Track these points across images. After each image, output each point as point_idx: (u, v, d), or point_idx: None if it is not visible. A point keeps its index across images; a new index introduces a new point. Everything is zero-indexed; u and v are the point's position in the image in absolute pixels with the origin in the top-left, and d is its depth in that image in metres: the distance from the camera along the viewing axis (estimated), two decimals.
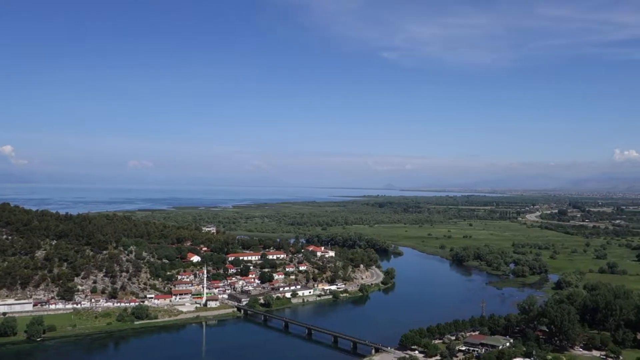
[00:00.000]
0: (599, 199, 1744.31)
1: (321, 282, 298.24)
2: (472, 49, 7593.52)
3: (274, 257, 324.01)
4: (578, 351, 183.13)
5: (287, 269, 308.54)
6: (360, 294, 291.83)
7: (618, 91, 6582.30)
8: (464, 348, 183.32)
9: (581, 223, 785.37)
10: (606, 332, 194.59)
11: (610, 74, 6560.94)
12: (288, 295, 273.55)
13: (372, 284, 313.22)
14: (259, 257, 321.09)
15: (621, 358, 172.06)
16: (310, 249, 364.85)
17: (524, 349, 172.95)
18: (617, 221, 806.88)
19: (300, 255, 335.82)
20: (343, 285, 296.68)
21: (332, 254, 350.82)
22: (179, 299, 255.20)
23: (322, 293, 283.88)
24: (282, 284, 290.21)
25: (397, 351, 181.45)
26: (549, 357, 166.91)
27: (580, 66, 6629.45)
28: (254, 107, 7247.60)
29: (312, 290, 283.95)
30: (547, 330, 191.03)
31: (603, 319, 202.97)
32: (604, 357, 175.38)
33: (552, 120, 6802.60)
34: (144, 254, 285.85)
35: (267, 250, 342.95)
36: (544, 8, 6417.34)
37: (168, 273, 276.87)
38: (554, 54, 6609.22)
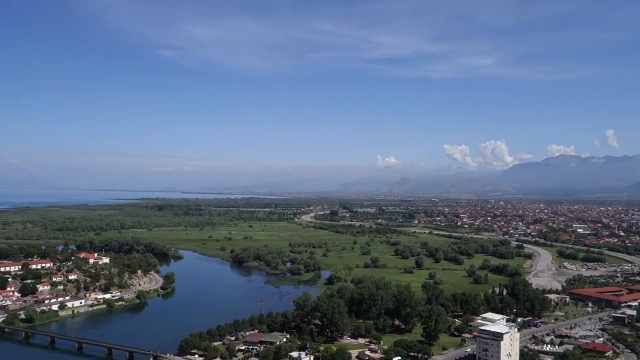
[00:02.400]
0: (364, 200, 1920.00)
1: (94, 291, 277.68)
2: (251, 55, 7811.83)
3: (39, 266, 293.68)
4: (346, 340, 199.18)
5: (54, 279, 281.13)
6: (138, 301, 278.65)
7: (378, 104, 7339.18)
8: (243, 347, 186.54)
9: (350, 222, 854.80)
10: (370, 320, 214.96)
11: (373, 88, 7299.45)
12: (55, 307, 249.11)
13: (150, 290, 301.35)
14: (20, 267, 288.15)
15: (382, 343, 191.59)
16: (81, 255, 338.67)
17: (299, 342, 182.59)
18: (379, 220, 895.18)
19: (70, 263, 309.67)
20: (119, 293, 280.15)
21: (106, 260, 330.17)
22: None
23: (95, 303, 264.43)
24: (48, 296, 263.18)
25: (176, 357, 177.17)
26: (322, 347, 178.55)
27: (349, 78, 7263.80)
28: (12, 99, 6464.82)
29: (83, 301, 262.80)
30: (320, 323, 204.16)
31: (367, 309, 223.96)
32: (368, 343, 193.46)
33: (325, 127, 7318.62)
34: None
35: (30, 259, 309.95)
36: (319, 22, 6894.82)
37: None
38: (328, 65, 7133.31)
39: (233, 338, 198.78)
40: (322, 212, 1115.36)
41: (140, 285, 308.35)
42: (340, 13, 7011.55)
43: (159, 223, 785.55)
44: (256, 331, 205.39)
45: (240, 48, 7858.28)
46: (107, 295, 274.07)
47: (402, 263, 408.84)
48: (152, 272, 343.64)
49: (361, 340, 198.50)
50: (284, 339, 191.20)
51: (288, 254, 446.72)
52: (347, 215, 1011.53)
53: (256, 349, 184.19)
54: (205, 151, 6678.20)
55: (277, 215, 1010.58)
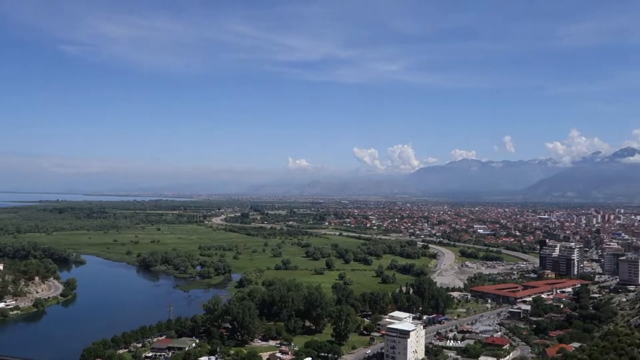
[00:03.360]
0: (275, 202, 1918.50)
1: None
2: (162, 53, 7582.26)
3: None
4: (257, 343, 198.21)
5: None
6: (35, 309, 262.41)
7: (290, 107, 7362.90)
8: (150, 354, 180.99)
9: (261, 225, 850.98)
10: (281, 322, 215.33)
11: (284, 91, 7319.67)
12: None
13: (49, 298, 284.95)
14: None
15: (293, 344, 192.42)
16: None
17: (209, 347, 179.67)
18: (290, 222, 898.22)
19: None
20: (14, 302, 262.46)
21: (0, 267, 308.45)
22: None
23: None
24: None
25: None
26: (232, 351, 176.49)
27: (261, 81, 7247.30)
28: None
29: None
30: (231, 326, 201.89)
31: (278, 311, 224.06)
32: (279, 345, 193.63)
33: (237, 129, 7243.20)
34: None
35: None
36: (230, 23, 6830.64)
37: None
38: (240, 67, 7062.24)
39: (140, 345, 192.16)
40: (232, 215, 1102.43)
41: (38, 292, 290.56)
42: (253, 14, 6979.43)
43: (59, 227, 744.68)
44: (164, 337, 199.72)
45: (150, 46, 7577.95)
46: (1, 305, 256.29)
47: (313, 265, 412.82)
48: (52, 279, 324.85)
49: (272, 343, 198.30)
50: (193, 344, 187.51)
51: (198, 257, 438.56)
52: (258, 218, 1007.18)
53: (164, 355, 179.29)
54: (111, 152, 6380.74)
55: (187, 218, 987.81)
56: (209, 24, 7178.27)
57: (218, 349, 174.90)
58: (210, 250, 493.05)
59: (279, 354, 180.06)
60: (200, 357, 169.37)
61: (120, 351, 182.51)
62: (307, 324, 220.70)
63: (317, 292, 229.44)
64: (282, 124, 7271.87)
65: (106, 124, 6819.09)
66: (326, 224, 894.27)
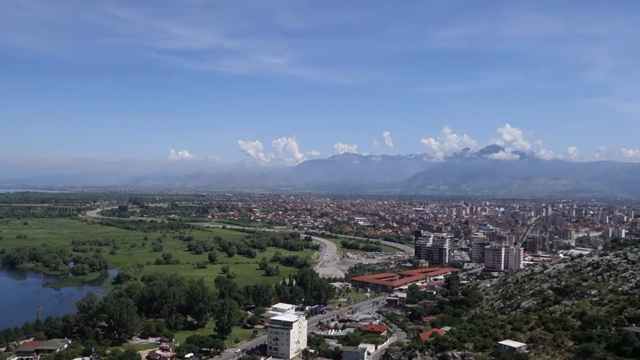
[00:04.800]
0: (156, 195, 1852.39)
1: None
2: (25, 34, 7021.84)
3: None
4: (136, 341, 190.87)
5: None
6: None
7: (171, 96, 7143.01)
8: (15, 358, 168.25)
9: (140, 218, 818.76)
10: (161, 318, 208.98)
11: (166, 80, 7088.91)
12: None
13: None
14: None
15: (174, 340, 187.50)
16: None
17: (83, 347, 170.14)
18: (172, 215, 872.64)
19: None
20: None
21: None
22: None
23: None
24: None
25: None
26: (108, 351, 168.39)
27: (140, 68, 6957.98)
28: None
29: None
30: (107, 325, 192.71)
31: (159, 307, 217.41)
32: (160, 342, 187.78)
33: (113, 118, 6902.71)
34: None
35: None
36: (109, 6, 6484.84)
37: None
38: (117, 52, 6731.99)
39: (3, 349, 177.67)
40: (110, 208, 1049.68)
41: None
42: None
43: None
44: (32, 339, 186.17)
45: (12, 24, 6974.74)
46: None
47: (196, 258, 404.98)
48: None
49: (152, 340, 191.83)
50: (65, 345, 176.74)
51: (71, 253, 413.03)
52: (138, 211, 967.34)
53: (31, 358, 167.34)
54: None
55: (58, 212, 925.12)
56: (83, 5, 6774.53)
57: (93, 349, 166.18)
58: (85, 245, 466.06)
59: (159, 351, 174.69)
60: (73, 358, 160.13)
61: None
62: (190, 319, 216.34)
63: (200, 286, 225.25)
64: (164, 114, 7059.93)
65: None
66: (209, 217, 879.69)
